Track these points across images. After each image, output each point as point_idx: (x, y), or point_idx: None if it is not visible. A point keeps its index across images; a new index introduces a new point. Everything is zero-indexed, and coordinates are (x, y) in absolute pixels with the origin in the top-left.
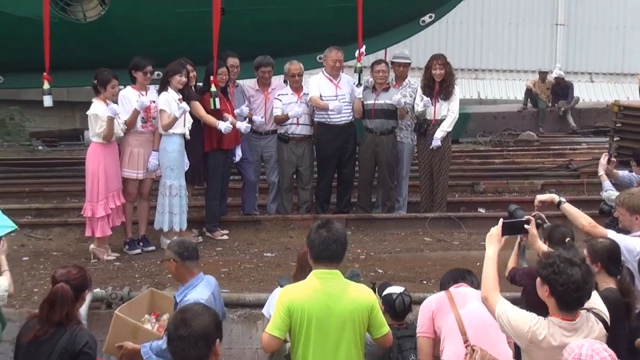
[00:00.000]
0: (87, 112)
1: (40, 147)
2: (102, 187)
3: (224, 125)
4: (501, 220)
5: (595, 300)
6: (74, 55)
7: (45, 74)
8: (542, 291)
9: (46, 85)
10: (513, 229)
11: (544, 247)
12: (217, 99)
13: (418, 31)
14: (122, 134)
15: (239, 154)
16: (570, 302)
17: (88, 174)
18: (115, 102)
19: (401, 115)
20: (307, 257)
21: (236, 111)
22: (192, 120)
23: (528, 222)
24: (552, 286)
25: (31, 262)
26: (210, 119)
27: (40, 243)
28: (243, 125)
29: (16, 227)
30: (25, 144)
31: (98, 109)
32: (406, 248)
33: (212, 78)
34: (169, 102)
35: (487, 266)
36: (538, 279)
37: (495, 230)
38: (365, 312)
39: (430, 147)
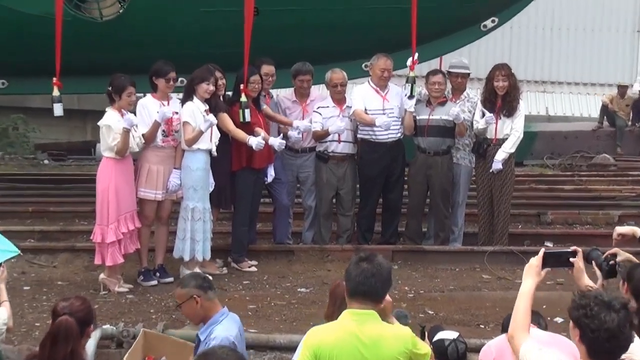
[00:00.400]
0: (99, 123)
1: (46, 161)
2: (112, 209)
3: (255, 141)
4: (543, 249)
5: (636, 351)
6: (88, 58)
7: (55, 79)
8: (574, 335)
9: (56, 92)
10: (557, 261)
11: (589, 283)
12: (247, 111)
13: (479, 37)
14: (137, 149)
15: (271, 174)
16: (601, 351)
17: (98, 193)
18: (133, 112)
19: (459, 132)
20: (341, 292)
21: (295, 124)
22: (219, 135)
23: (574, 253)
24: (582, 331)
25: (33, 293)
26: (239, 133)
27: (43, 271)
28: (277, 142)
29: (19, 251)
30: (29, 157)
31: (111, 119)
32: (461, 286)
33: (242, 87)
34: (194, 113)
35: (520, 301)
36: (571, 322)
37: (536, 261)
38: None
39: (491, 171)
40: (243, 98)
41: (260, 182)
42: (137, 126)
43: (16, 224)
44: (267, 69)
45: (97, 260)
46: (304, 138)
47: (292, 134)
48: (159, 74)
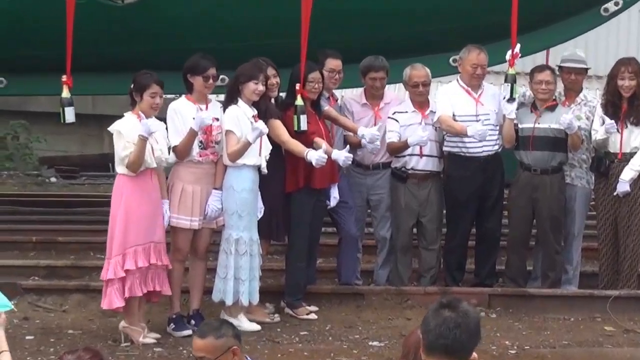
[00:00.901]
0: (110, 128)
1: (53, 179)
2: (118, 238)
3: (315, 156)
4: None
5: None
6: (105, 51)
7: (65, 76)
8: None
9: (66, 93)
10: None
11: None
12: (303, 117)
13: (599, 24)
14: (165, 164)
15: (335, 196)
16: None
17: (109, 218)
18: (161, 119)
19: (574, 145)
20: (416, 343)
21: (360, 132)
22: (270, 147)
23: None
24: None
25: (37, 343)
26: (296, 145)
27: (50, 316)
28: (341, 156)
29: (11, 306)
30: (32, 173)
31: (124, 123)
32: (577, 341)
33: (298, 86)
34: (239, 120)
35: None
36: None
37: None
38: None
39: (615, 193)
40: (299, 101)
41: (322, 207)
42: (161, 138)
43: (17, 257)
44: (334, 63)
45: (104, 304)
46: (376, 151)
47: (367, 142)
48: (195, 70)
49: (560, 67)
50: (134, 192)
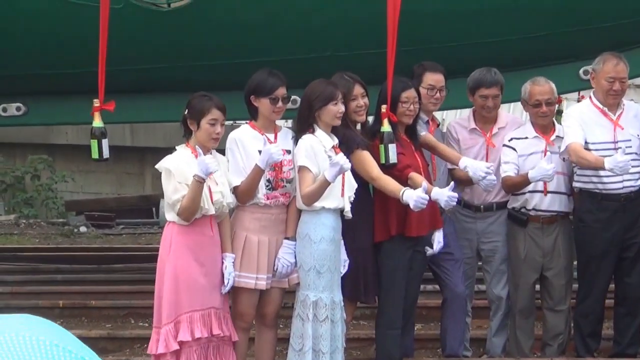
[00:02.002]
0: (157, 165)
1: (83, 229)
2: (168, 302)
3: (413, 196)
4: None
5: None
6: (148, 67)
7: (97, 100)
8: None
9: (98, 121)
10: None
11: None
12: (391, 147)
13: None
14: (226, 210)
15: (439, 240)
16: None
17: (156, 276)
18: (221, 151)
19: None
20: None
21: (462, 163)
22: (356, 186)
23: None
24: None
25: None
26: (388, 183)
27: None
28: (443, 196)
29: None
30: (57, 222)
31: (176, 160)
32: None
33: (384, 108)
34: (316, 152)
35: None
36: None
37: None
38: None
39: None
40: (385, 127)
41: (420, 260)
42: (222, 177)
43: None
44: (434, 78)
45: None
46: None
47: (474, 176)
48: (260, 90)
49: None
50: (188, 244)
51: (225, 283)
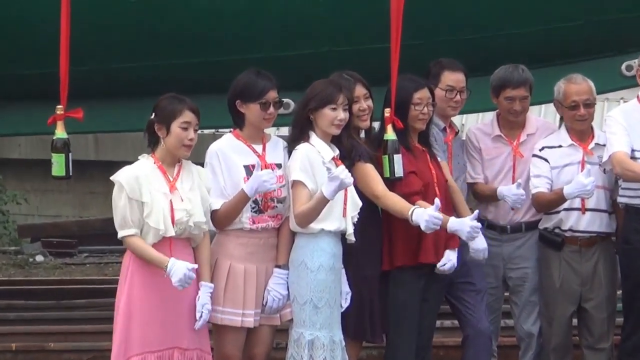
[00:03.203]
0: (112, 177)
1: (40, 258)
2: (118, 341)
3: (424, 216)
4: None
5: None
6: (113, 68)
7: (61, 107)
8: None
9: (61, 132)
10: None
11: None
12: (396, 158)
13: None
14: (170, 232)
15: (451, 259)
16: None
17: (114, 313)
18: (200, 163)
19: None
20: None
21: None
22: (360, 204)
23: None
24: None
25: None
26: (395, 202)
27: None
28: (465, 227)
29: None
30: (9, 250)
31: (132, 173)
32: None
33: (387, 112)
34: (313, 164)
35: None
36: None
37: None
38: None
39: None
40: (389, 134)
41: (436, 290)
42: (194, 192)
43: None
44: (453, 78)
45: None
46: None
47: (506, 192)
48: (248, 94)
49: None
50: (145, 273)
51: (197, 317)
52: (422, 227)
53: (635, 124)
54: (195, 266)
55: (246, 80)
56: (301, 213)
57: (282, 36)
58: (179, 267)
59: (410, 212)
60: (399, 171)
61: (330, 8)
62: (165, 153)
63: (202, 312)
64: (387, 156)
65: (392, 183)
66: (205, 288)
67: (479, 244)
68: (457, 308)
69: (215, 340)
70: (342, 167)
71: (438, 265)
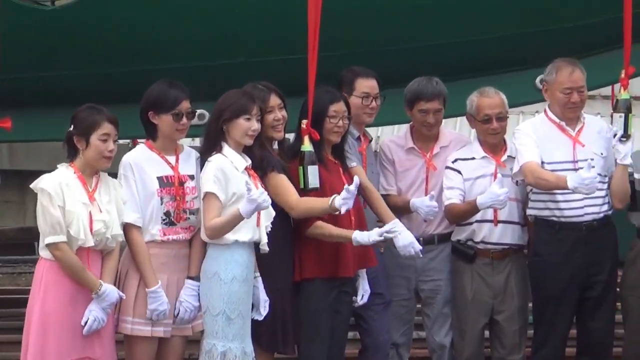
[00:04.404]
0: (32, 185)
1: None
2: (33, 350)
3: (339, 200)
4: None
5: None
6: (28, 75)
7: None
8: None
9: None
10: None
11: None
12: (312, 169)
13: None
14: (90, 242)
15: (365, 289)
16: None
17: (25, 323)
18: (114, 175)
19: None
20: None
21: (413, 205)
22: (273, 214)
23: None
24: None
25: None
26: (312, 205)
27: None
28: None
29: None
30: None
31: (54, 180)
32: None
33: (304, 123)
34: (227, 176)
35: None
36: None
37: None
38: None
39: None
40: (306, 145)
41: (348, 302)
42: (107, 204)
43: None
44: (368, 85)
45: None
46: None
47: (419, 204)
48: (160, 105)
49: None
50: (61, 282)
51: (83, 323)
52: (337, 205)
53: (544, 137)
54: (124, 296)
55: (158, 91)
56: (212, 226)
57: (197, 47)
58: (111, 293)
59: (331, 201)
60: (314, 182)
61: (245, 19)
62: (85, 164)
63: (88, 317)
64: (302, 167)
65: (307, 193)
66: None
67: (403, 239)
68: (362, 317)
69: (126, 352)
70: (262, 190)
71: (358, 299)
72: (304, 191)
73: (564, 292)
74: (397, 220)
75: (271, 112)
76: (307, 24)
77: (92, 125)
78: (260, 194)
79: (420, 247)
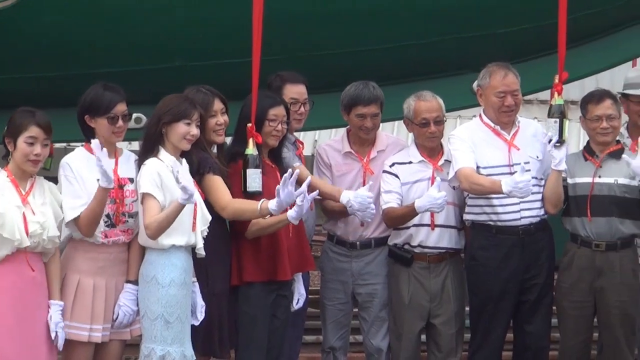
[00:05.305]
0: None
1: None
2: None
3: (273, 205)
4: None
5: None
6: None
7: None
8: None
9: None
10: None
11: None
12: (254, 173)
13: None
14: (26, 242)
15: (301, 292)
16: None
17: None
18: (52, 179)
19: None
20: None
21: (344, 197)
22: (209, 218)
23: None
24: None
25: None
26: (243, 208)
27: None
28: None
29: None
30: None
31: None
32: None
33: (249, 127)
34: (163, 178)
35: None
36: None
37: None
38: None
39: None
40: (250, 149)
41: (286, 306)
42: (40, 206)
43: None
44: (296, 91)
45: None
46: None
47: (356, 210)
48: (96, 108)
49: (624, 94)
50: (2, 286)
51: (53, 337)
52: (274, 210)
53: (479, 142)
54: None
55: (93, 94)
56: (152, 224)
57: (136, 50)
58: (55, 319)
59: (259, 204)
60: (256, 186)
61: (184, 22)
62: (16, 167)
63: (56, 331)
64: (244, 169)
65: (250, 196)
66: (55, 307)
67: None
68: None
69: (63, 356)
70: (191, 184)
71: (294, 304)
72: (246, 194)
73: (501, 296)
74: (346, 191)
75: (214, 117)
76: (243, 28)
77: (19, 128)
78: (187, 183)
79: (373, 209)
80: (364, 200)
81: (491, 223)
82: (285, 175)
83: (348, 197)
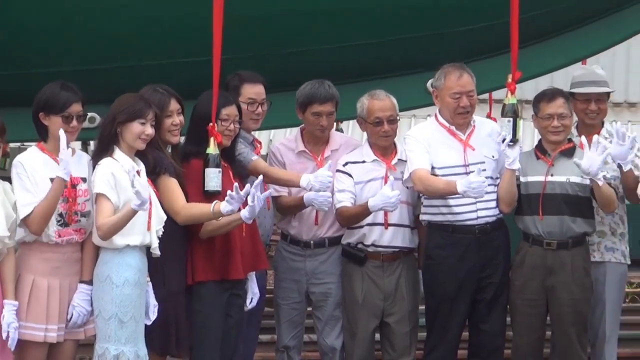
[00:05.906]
0: None
1: None
2: None
3: (226, 207)
4: None
5: None
6: None
7: None
8: None
9: None
10: None
11: None
12: (214, 172)
13: (633, 34)
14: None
15: (254, 292)
16: None
17: None
18: (8, 179)
19: (607, 203)
20: None
21: (303, 180)
22: (165, 217)
23: None
24: None
25: None
26: (196, 210)
27: None
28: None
29: None
30: None
31: None
32: None
33: (210, 126)
34: (116, 179)
35: None
36: None
37: None
38: None
39: None
40: (211, 148)
41: (240, 305)
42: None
43: None
44: (254, 91)
45: None
46: (318, 221)
47: (316, 199)
48: (51, 107)
49: (573, 93)
50: None
51: (4, 337)
52: (246, 218)
53: (435, 142)
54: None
55: (49, 92)
56: (104, 225)
57: (92, 49)
58: (8, 319)
59: (212, 206)
60: (216, 185)
61: (141, 21)
62: None
63: (8, 331)
64: (204, 170)
65: (209, 197)
66: (9, 306)
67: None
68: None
69: (16, 356)
70: (145, 183)
71: (247, 303)
72: (206, 194)
73: (457, 295)
74: (305, 175)
75: (170, 117)
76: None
77: None
78: (141, 184)
79: (329, 196)
80: (324, 179)
81: (448, 223)
82: (256, 182)
83: (308, 179)
